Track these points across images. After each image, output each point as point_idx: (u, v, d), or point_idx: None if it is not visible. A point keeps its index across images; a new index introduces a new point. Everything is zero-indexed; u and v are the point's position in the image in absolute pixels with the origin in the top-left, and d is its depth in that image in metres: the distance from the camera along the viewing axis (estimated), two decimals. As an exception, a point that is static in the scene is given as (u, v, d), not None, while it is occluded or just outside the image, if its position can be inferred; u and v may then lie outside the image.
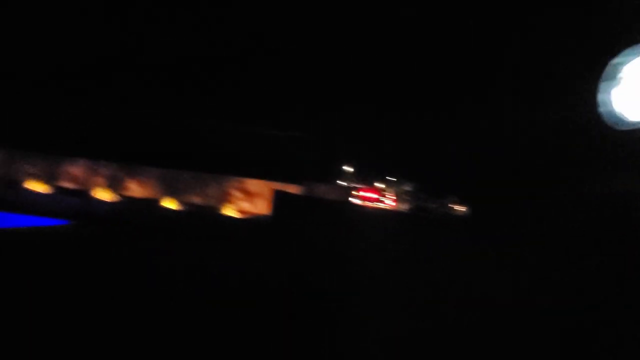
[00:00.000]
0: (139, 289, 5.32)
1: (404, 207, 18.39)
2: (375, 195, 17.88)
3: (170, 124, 9.46)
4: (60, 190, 12.01)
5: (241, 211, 11.32)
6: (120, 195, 11.88)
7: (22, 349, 3.29)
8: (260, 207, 11.16)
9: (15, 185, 11.99)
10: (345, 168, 17.02)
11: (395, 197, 19.35)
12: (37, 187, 12.00)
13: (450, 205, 16.40)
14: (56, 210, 11.39)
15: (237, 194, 11.47)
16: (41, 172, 12.19)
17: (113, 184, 11.95)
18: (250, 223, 10.71)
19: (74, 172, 12.20)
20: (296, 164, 9.80)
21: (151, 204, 11.63)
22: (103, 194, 11.79)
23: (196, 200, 11.73)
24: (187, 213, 11.37)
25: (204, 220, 10.99)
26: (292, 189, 10.52)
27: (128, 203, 11.71)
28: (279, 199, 9.17)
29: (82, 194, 11.86)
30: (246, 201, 11.40)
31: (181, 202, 11.65)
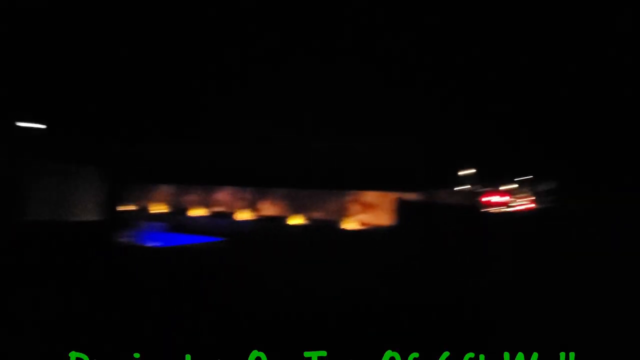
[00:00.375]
0: (276, 289, 6.12)
1: (536, 206, 16.00)
2: (502, 198, 16.05)
3: (293, 148, 10.64)
4: (214, 214, 14.62)
5: (362, 223, 11.66)
6: (257, 214, 13.74)
7: (192, 336, 4.18)
8: (381, 218, 11.30)
9: (183, 212, 15.15)
10: (468, 172, 15.85)
11: (525, 197, 17.02)
12: (198, 212, 14.91)
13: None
14: (212, 230, 13.90)
15: (356, 207, 11.90)
16: (199, 200, 15.12)
17: (251, 206, 13.92)
18: (376, 233, 10.91)
19: (222, 198, 14.72)
20: (415, 172, 9.65)
21: (281, 220, 13.07)
22: (244, 215, 13.84)
23: (319, 215, 12.63)
24: (312, 227, 12.35)
25: (327, 232, 11.75)
26: (412, 196, 10.34)
27: (263, 221, 13.42)
28: (403, 207, 9.08)
29: (229, 216, 14.17)
30: (366, 213, 11.71)
31: (307, 217, 12.74)
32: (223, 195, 14.75)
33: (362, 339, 4.20)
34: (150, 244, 11.00)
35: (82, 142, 8.73)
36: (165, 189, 15.85)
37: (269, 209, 13.67)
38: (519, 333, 4.54)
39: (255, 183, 13.52)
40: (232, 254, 10.08)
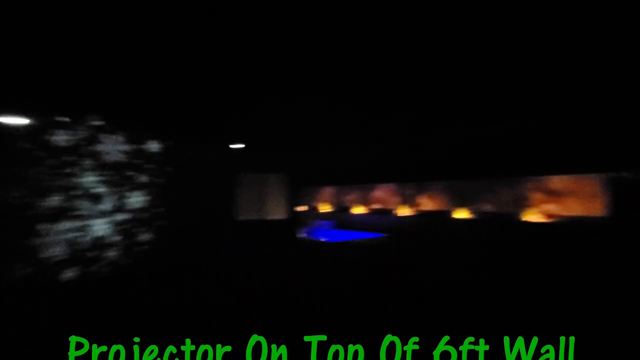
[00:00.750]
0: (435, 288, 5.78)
1: None
2: None
3: (451, 135, 9.96)
4: (374, 211, 15.25)
5: (548, 215, 9.85)
6: (416, 210, 13.53)
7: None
8: (574, 207, 9.26)
9: (346, 210, 16.40)
10: None
11: None
12: (359, 210, 15.86)
13: None
14: (374, 226, 14.53)
15: (538, 195, 10.14)
16: (360, 199, 16.05)
17: (410, 201, 13.84)
18: (577, 226, 9.07)
19: (381, 195, 15.19)
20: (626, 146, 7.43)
21: (443, 215, 12.44)
22: (404, 210, 13.88)
23: (489, 207, 11.40)
24: (481, 221, 11.25)
25: (500, 226, 10.45)
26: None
27: (423, 216, 13.10)
28: (621, 192, 7.12)
29: (389, 212, 14.49)
30: (551, 202, 9.84)
31: (473, 211, 11.71)
32: (381, 192, 15.19)
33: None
34: (321, 239, 12.40)
35: (271, 155, 10.65)
36: (329, 190, 17.56)
37: (429, 203, 13.25)
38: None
39: (412, 178, 13.35)
40: (393, 249, 10.24)
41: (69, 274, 6.56)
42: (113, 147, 7.16)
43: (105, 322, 4.37)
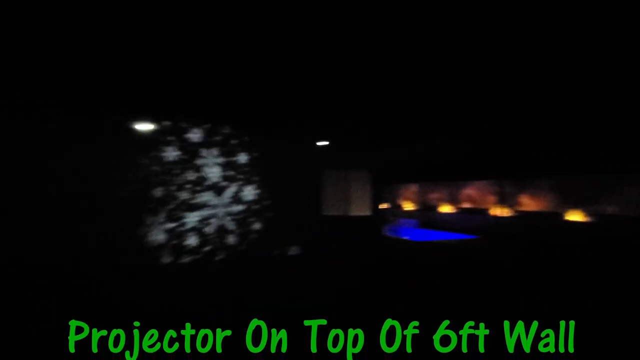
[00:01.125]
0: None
1: None
2: None
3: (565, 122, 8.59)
4: (463, 210, 14.16)
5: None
6: (516, 210, 12.11)
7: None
8: None
9: (431, 209, 15.56)
10: None
11: None
12: (446, 209, 14.89)
13: None
14: (463, 227, 13.48)
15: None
16: (447, 197, 15.06)
17: (508, 200, 12.46)
18: None
19: (472, 193, 14.01)
20: None
21: (550, 217, 10.88)
22: (500, 211, 12.56)
23: (613, 209, 9.57)
24: (599, 225, 9.52)
25: (630, 234, 8.67)
26: None
27: (523, 218, 11.66)
28: None
29: (482, 212, 13.27)
30: None
31: (590, 213, 9.98)
32: (473, 190, 14.01)
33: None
34: (406, 238, 11.96)
35: (354, 153, 10.66)
36: (413, 188, 16.87)
37: (531, 203, 11.75)
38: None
39: (512, 174, 11.96)
40: (487, 254, 9.30)
41: (196, 256, 7.59)
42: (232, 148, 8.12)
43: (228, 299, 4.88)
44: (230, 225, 8.06)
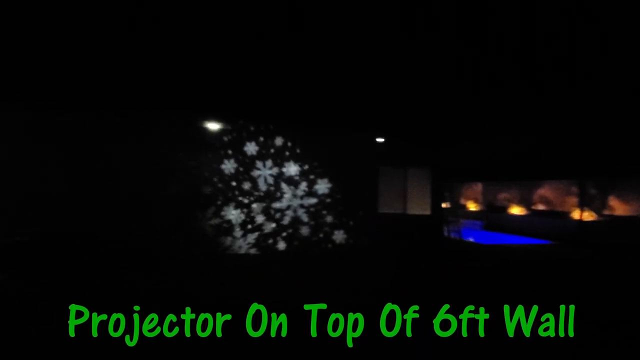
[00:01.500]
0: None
1: None
2: None
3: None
4: (536, 213, 12.86)
5: None
6: (603, 214, 10.65)
7: None
8: None
9: (498, 210, 14.40)
10: None
11: None
12: (515, 210, 13.65)
13: None
14: (535, 231, 12.24)
15: None
16: (517, 197, 13.80)
17: (593, 202, 11.02)
18: None
19: (547, 194, 12.66)
20: None
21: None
22: (582, 214, 11.15)
23: None
24: None
25: None
26: None
27: (612, 223, 10.21)
28: None
29: (559, 215, 11.92)
30: None
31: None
32: (548, 190, 12.67)
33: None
34: (469, 240, 11.21)
35: (411, 149, 10.29)
36: (478, 187, 15.78)
37: (622, 206, 10.27)
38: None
39: (598, 172, 10.53)
40: (564, 262, 8.29)
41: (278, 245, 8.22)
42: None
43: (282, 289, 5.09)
44: (304, 216, 8.55)
